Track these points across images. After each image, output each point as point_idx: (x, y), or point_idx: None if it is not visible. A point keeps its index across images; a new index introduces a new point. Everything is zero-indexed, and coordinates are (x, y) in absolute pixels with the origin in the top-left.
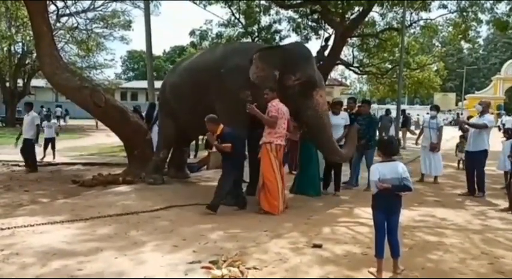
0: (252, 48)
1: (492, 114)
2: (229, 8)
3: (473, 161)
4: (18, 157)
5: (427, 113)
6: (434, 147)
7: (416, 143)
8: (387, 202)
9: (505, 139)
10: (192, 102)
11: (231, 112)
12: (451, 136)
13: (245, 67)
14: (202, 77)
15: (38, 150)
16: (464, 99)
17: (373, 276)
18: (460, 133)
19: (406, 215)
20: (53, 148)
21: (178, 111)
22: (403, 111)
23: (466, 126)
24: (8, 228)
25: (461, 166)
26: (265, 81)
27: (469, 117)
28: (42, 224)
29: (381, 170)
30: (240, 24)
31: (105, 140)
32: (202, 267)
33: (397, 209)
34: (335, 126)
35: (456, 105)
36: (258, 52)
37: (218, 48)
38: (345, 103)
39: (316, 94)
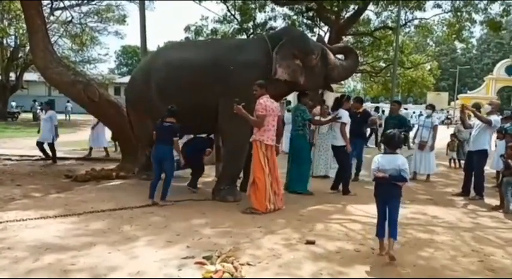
0: (254, 43)
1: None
2: (225, 4)
3: (472, 162)
4: (10, 151)
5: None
6: (423, 145)
7: (413, 143)
8: (386, 190)
9: (498, 139)
10: (184, 101)
11: (247, 107)
12: (442, 135)
13: (255, 62)
14: (203, 75)
15: None
16: (457, 99)
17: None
18: (451, 131)
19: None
20: None
21: (163, 110)
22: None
23: (470, 120)
24: (0, 222)
25: (452, 164)
26: (295, 74)
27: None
28: (35, 218)
29: (380, 161)
30: (235, 20)
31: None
32: (196, 263)
33: (396, 196)
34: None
35: (449, 104)
36: (275, 55)
37: (209, 43)
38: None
39: (330, 55)
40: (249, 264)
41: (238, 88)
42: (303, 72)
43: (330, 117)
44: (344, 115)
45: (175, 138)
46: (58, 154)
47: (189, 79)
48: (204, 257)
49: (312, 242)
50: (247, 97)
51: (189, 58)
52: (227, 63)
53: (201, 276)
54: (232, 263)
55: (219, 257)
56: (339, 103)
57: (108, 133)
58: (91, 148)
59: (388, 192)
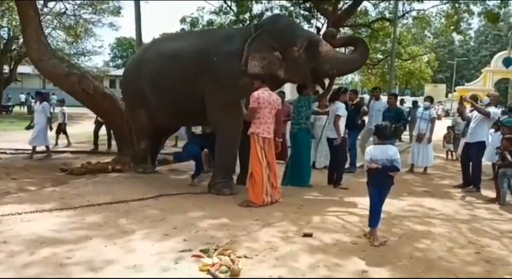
0: (238, 33)
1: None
2: None
3: (469, 153)
4: (5, 144)
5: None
6: (421, 138)
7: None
8: (378, 179)
9: (493, 130)
10: (175, 92)
11: (228, 100)
12: (438, 127)
13: (238, 52)
14: (190, 65)
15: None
16: (455, 91)
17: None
18: (448, 123)
19: (395, 205)
20: None
21: (155, 101)
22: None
23: (470, 111)
24: None
25: (449, 156)
26: (272, 67)
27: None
28: (31, 212)
29: (372, 152)
30: (231, 11)
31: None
32: (193, 256)
33: (388, 185)
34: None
35: (446, 96)
36: (246, 47)
37: (200, 33)
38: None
39: (322, 47)
40: (246, 257)
41: (223, 79)
42: (283, 65)
43: (327, 110)
44: (340, 107)
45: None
46: (53, 148)
47: (177, 70)
48: (201, 250)
49: (309, 235)
50: (231, 88)
51: (178, 49)
52: (212, 53)
53: (198, 269)
54: (229, 256)
55: (216, 250)
56: (336, 95)
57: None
58: (34, 147)
59: (381, 180)
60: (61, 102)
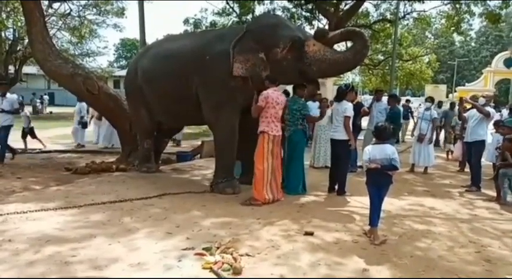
0: (231, 33)
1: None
2: None
3: (470, 153)
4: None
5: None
6: (422, 138)
7: (412, 135)
8: (378, 178)
9: (494, 131)
10: (170, 91)
11: (221, 100)
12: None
13: (229, 52)
14: (183, 65)
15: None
16: (455, 91)
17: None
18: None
19: (395, 204)
20: None
21: (152, 101)
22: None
23: (471, 108)
24: (1, 214)
25: (450, 156)
26: (256, 68)
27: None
28: (35, 210)
29: (371, 152)
30: (234, 13)
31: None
32: (196, 254)
33: (387, 184)
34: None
35: (447, 97)
36: (231, 49)
37: (197, 34)
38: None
39: (308, 48)
40: (248, 255)
41: (214, 79)
42: (267, 67)
43: (329, 110)
44: (349, 108)
45: None
46: (57, 147)
47: (170, 70)
48: (203, 249)
49: (311, 233)
50: (223, 88)
51: (175, 49)
52: (204, 53)
53: (200, 267)
54: (231, 254)
55: (218, 248)
56: (343, 94)
57: None
58: None
59: (380, 179)
60: (21, 105)
